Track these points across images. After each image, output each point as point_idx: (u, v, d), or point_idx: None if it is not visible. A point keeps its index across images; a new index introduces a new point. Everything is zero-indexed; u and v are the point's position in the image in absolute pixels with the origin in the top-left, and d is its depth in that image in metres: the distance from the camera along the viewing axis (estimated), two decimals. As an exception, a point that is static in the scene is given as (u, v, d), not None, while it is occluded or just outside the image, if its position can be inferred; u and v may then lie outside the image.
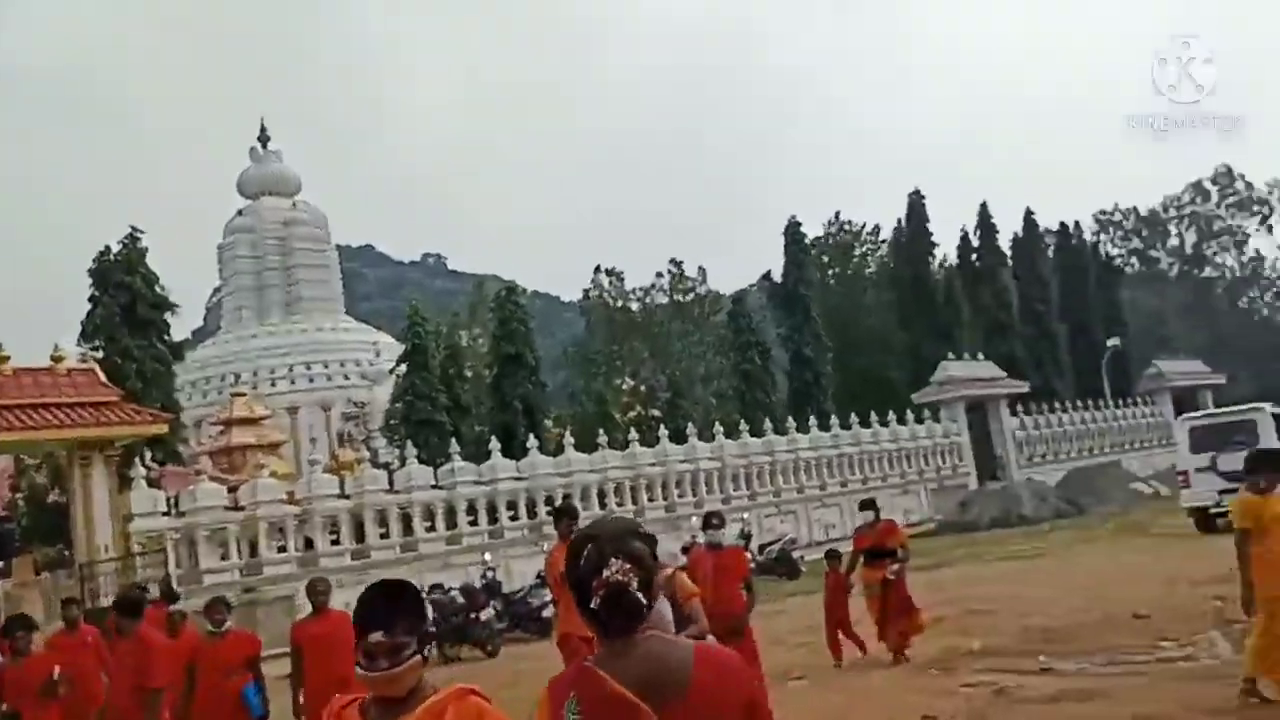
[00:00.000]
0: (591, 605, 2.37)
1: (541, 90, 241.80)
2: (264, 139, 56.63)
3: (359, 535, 23.46)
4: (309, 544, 22.78)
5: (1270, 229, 70.61)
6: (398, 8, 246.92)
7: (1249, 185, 70.30)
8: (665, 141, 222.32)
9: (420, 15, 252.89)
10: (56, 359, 21.12)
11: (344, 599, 20.52)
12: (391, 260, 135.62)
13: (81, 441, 20.42)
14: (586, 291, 56.29)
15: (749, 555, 23.00)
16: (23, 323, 59.98)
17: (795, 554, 25.61)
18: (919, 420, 37.13)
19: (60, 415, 19.97)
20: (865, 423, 35.15)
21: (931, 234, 50.51)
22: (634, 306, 55.45)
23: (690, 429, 31.40)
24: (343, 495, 24.01)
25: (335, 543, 23.04)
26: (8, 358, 20.08)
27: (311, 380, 48.95)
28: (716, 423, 33.57)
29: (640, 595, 2.34)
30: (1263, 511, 7.73)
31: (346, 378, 48.90)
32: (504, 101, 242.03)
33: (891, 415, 35.93)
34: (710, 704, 2.28)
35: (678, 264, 55.39)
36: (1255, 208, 70.37)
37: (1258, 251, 72.15)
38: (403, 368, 35.03)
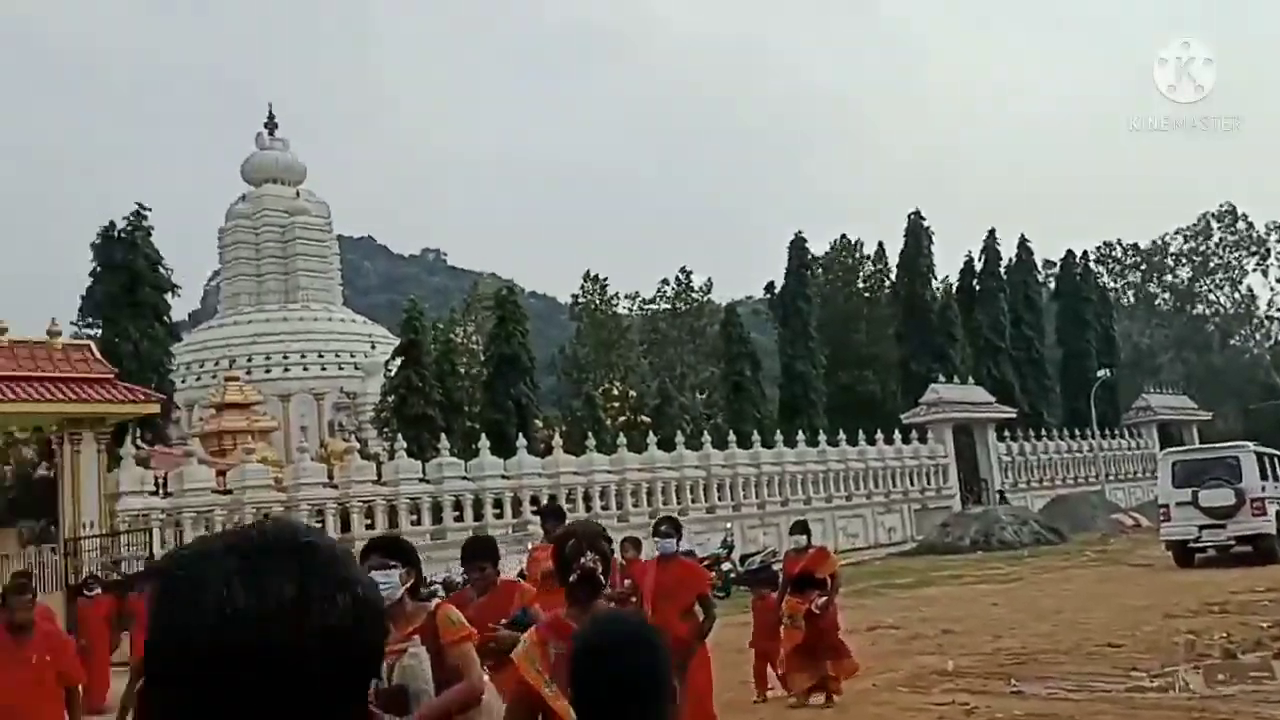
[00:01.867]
0: (570, 580, 3.65)
1: (550, 92, 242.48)
2: (271, 125, 56.73)
3: (344, 525, 23.58)
4: (293, 531, 22.89)
5: (1265, 270, 71.00)
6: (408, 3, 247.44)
7: (1250, 225, 70.74)
8: (673, 150, 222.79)
9: (427, 10, 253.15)
10: (52, 334, 21.22)
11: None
12: (391, 253, 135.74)
13: (72, 417, 20.49)
14: (575, 296, 56.51)
15: (728, 566, 23.30)
16: (25, 297, 60.17)
17: (775, 566, 25.76)
18: (906, 440, 37.33)
19: (52, 390, 20.04)
20: (853, 439, 35.32)
21: (931, 255, 50.82)
22: (621, 312, 55.61)
23: (678, 437, 31.56)
24: (330, 484, 24.16)
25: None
26: (4, 329, 20.17)
27: (305, 369, 49.02)
28: (705, 432, 33.72)
29: (601, 579, 3.71)
30: None
31: (340, 368, 48.98)
32: (510, 100, 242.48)
33: (880, 433, 36.13)
34: None
35: (686, 273, 55.67)
36: (1253, 248, 70.77)
37: (1250, 290, 72.58)
38: (397, 361, 35.16)
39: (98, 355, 21.81)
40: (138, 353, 27.99)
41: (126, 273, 29.26)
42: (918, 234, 50.47)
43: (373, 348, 48.97)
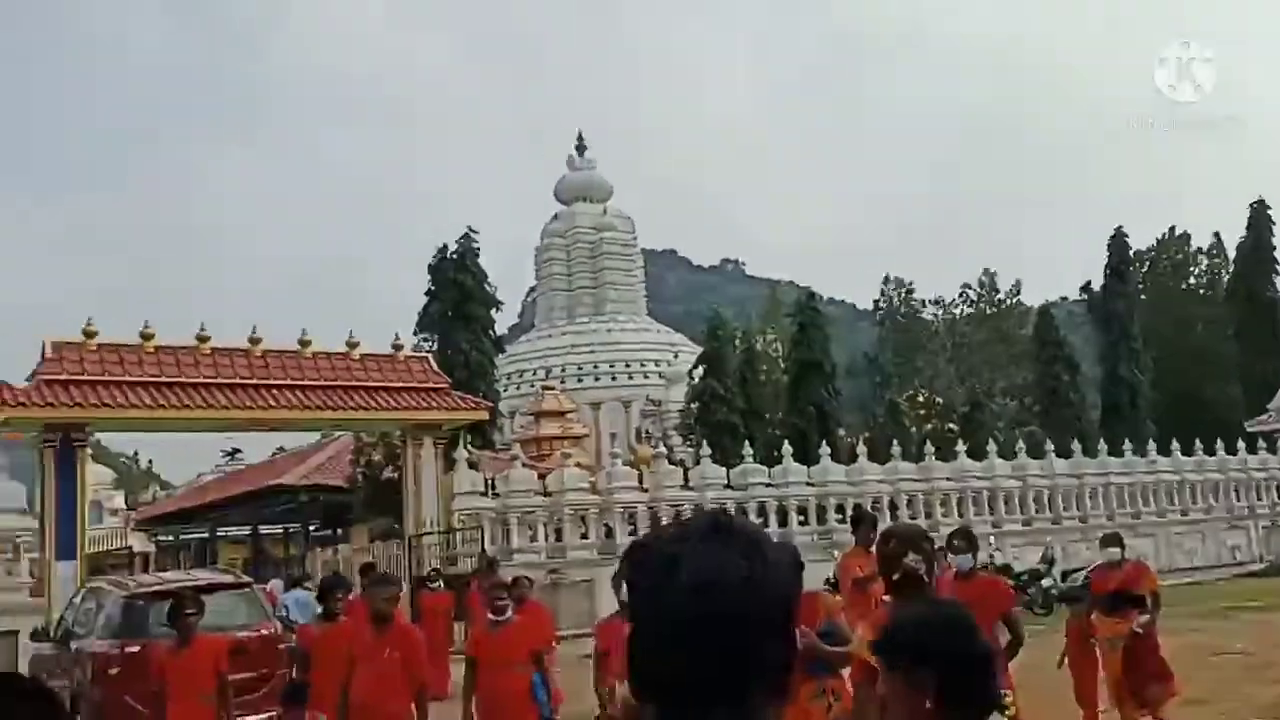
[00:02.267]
0: (895, 578, 4.04)
1: (843, 95, 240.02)
2: (580, 147, 59.74)
3: (654, 528, 24.38)
4: (609, 532, 23.94)
5: None
6: (700, 12, 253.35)
7: None
8: (975, 148, 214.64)
9: (720, 21, 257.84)
10: (396, 348, 23.29)
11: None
12: (691, 264, 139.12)
13: (414, 423, 22.40)
14: (877, 301, 55.46)
15: (1049, 582, 22.04)
16: (370, 312, 66.97)
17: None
18: (1252, 450, 33.88)
19: (397, 399, 22.00)
20: (1187, 449, 32.49)
21: (1274, 248, 46.05)
22: (926, 316, 53.97)
23: (990, 446, 30.26)
24: (640, 489, 25.07)
25: (633, 533, 24.06)
26: (356, 344, 22.38)
27: (614, 378, 51.15)
28: (1019, 440, 32.14)
29: (925, 577, 4.03)
30: None
31: (646, 377, 50.70)
32: (802, 106, 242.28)
33: (1220, 442, 33.02)
34: None
35: (990, 275, 53.47)
36: None
37: None
38: (700, 370, 35.98)
39: (434, 367, 23.76)
40: (467, 364, 30.32)
41: (457, 290, 31.79)
42: (1261, 225, 45.87)
43: (675, 357, 50.36)
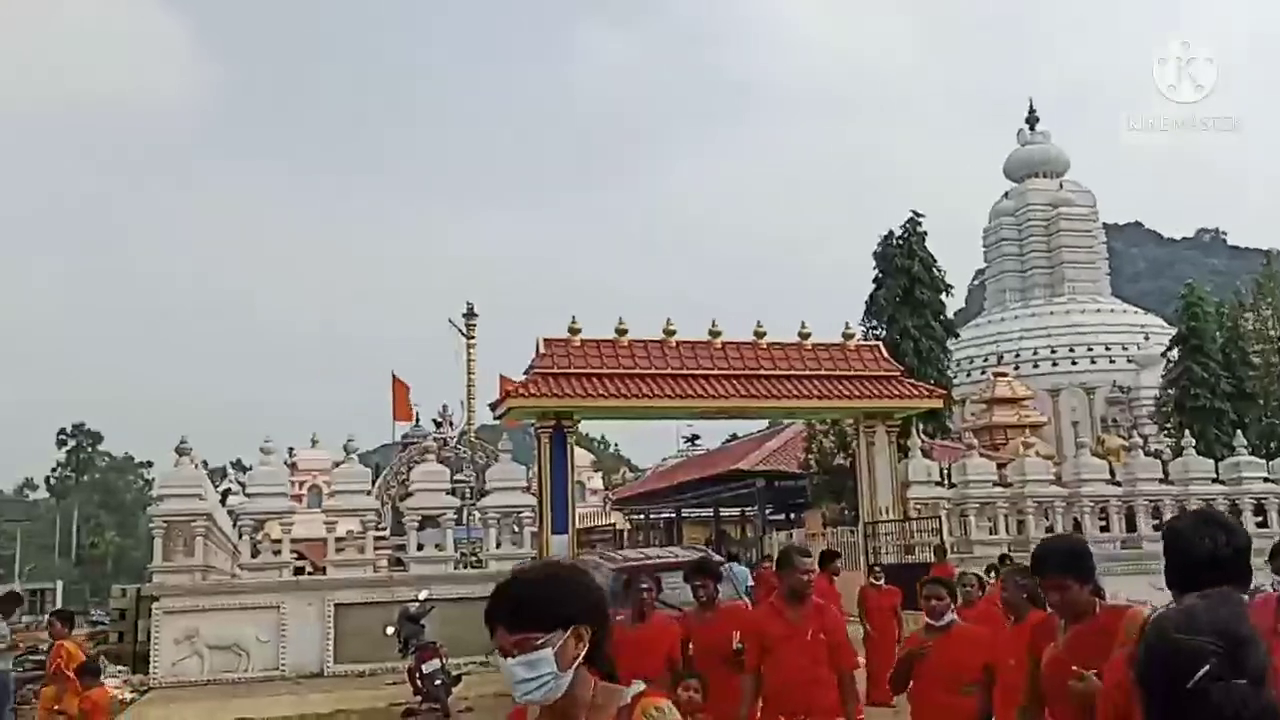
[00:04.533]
0: None
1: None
2: (1032, 120, 56.56)
3: (1129, 524, 22.62)
4: (1077, 526, 22.53)
5: None
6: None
7: None
8: None
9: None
10: (846, 336, 23.44)
11: (1113, 588, 19.85)
12: (1161, 238, 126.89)
13: (866, 412, 22.40)
14: None
15: None
16: (819, 301, 68.40)
17: None
18: None
19: (849, 387, 22.11)
20: None
21: None
22: None
23: None
24: (1112, 481, 23.33)
25: (1104, 529, 22.49)
26: (809, 334, 22.83)
27: (1074, 363, 48.04)
28: None
29: None
30: None
31: (1111, 361, 47.09)
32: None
33: None
34: None
35: None
36: None
37: None
38: (1175, 352, 32.76)
39: (885, 355, 23.62)
40: (917, 350, 29.82)
41: (905, 276, 31.32)
42: None
43: (1146, 339, 46.28)
